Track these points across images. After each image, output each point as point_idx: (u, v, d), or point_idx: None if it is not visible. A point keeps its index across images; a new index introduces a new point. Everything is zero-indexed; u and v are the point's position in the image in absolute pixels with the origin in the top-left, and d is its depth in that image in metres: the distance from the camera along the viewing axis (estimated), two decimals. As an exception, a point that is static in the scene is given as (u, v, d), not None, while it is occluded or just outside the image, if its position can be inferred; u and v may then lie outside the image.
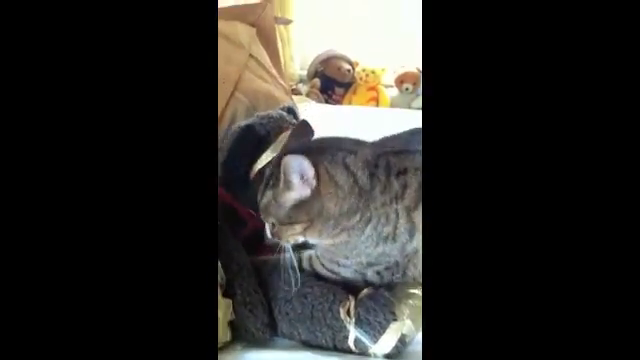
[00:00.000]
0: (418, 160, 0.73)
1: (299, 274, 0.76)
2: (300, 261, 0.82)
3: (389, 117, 1.63)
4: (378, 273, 0.78)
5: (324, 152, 0.73)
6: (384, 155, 0.75)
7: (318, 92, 2.23)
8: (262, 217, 0.78)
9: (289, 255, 0.76)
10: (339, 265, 0.79)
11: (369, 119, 1.63)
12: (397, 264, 0.77)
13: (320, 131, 0.89)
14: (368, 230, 0.74)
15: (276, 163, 0.76)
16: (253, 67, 1.06)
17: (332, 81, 2.26)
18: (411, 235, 0.74)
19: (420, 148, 0.72)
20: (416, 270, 0.77)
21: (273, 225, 0.76)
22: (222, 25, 1.04)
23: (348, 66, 2.27)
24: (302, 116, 1.01)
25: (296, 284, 0.75)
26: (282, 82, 1.11)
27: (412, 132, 0.79)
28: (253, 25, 1.16)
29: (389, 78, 2.30)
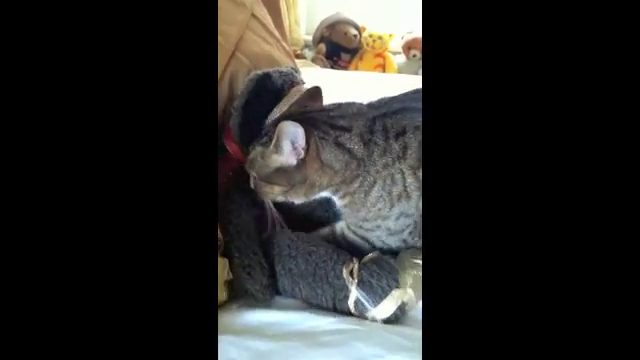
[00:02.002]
0: (417, 118, 0.73)
1: (280, 216, 0.79)
2: (334, 235, 0.83)
3: (393, 83, 1.61)
4: (404, 241, 0.79)
5: (318, 127, 0.74)
6: (380, 118, 0.75)
7: (324, 58, 2.20)
8: (246, 167, 0.80)
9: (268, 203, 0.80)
10: (365, 230, 0.79)
11: (374, 85, 1.61)
12: (416, 224, 0.77)
13: (326, 97, 0.89)
14: (375, 192, 0.75)
15: (274, 122, 0.77)
16: (255, 28, 1.04)
17: (338, 47, 2.23)
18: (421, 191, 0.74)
19: (418, 106, 0.73)
20: None
21: (254, 178, 0.79)
22: (224, -16, 1.01)
23: (355, 32, 2.23)
24: (305, 80, 0.99)
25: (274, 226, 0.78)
26: (285, 45, 1.09)
27: (409, 92, 0.79)
28: (256, -15, 1.13)
29: (397, 44, 2.25)
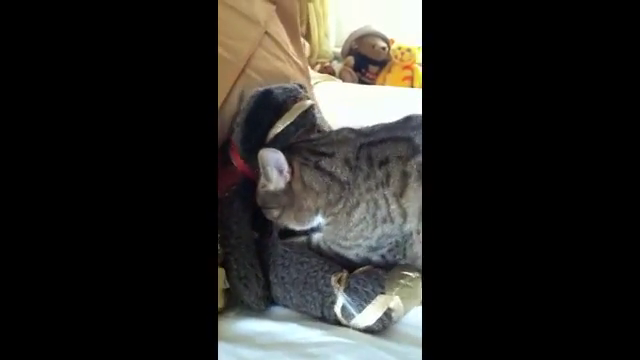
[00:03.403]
0: (401, 148, 0.77)
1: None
2: (309, 244, 0.86)
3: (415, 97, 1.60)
4: (382, 257, 0.81)
5: (300, 153, 0.81)
6: (366, 146, 0.79)
7: (351, 70, 2.22)
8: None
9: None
10: (341, 247, 0.82)
11: (398, 100, 1.61)
12: (397, 244, 0.80)
13: (341, 110, 0.91)
14: (358, 214, 0.79)
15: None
16: (268, 45, 1.07)
17: (366, 59, 2.24)
18: (404, 218, 0.78)
19: (404, 135, 0.78)
20: (412, 251, 0.79)
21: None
22: (238, 0, 1.05)
23: (383, 44, 2.24)
24: (317, 94, 1.02)
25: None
26: (298, 61, 1.12)
27: (399, 121, 0.83)
28: (273, 2, 1.17)
29: (425, 56, 2.24)
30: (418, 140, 0.77)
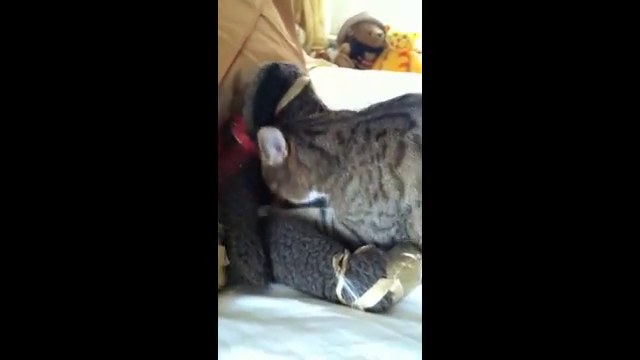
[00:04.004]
0: (398, 122, 0.77)
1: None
2: (323, 220, 0.87)
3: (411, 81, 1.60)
4: (392, 238, 0.81)
5: (297, 133, 0.83)
6: (364, 123, 0.80)
7: (347, 57, 2.21)
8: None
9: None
10: (351, 223, 0.82)
11: (395, 84, 1.61)
12: (400, 225, 0.80)
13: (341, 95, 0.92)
14: (352, 187, 0.79)
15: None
16: (263, 27, 1.07)
17: (362, 46, 2.23)
18: (400, 191, 0.77)
19: (402, 111, 0.78)
20: (413, 231, 0.79)
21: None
22: (233, -15, 1.05)
23: (379, 30, 2.23)
24: (313, 79, 1.03)
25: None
26: (292, 44, 1.12)
27: (396, 98, 0.83)
28: (266, -15, 1.17)
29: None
30: (415, 115, 0.77)
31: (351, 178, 0.79)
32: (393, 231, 0.81)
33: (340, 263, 0.76)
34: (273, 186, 0.86)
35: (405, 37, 2.22)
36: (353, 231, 0.83)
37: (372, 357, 0.63)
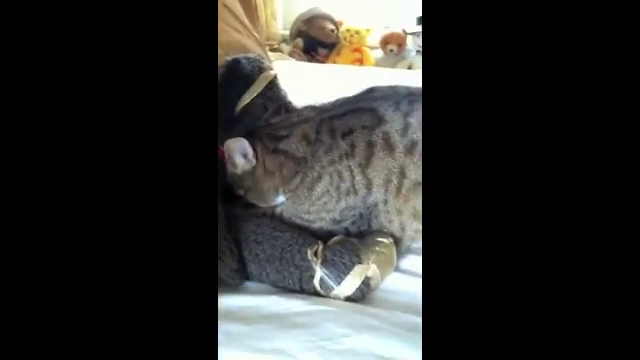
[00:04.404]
0: (365, 118, 0.77)
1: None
2: (272, 215, 0.86)
3: (371, 76, 1.62)
4: (346, 229, 0.81)
5: (262, 139, 0.82)
6: (327, 120, 0.79)
7: (301, 53, 2.20)
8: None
9: None
10: (303, 220, 0.82)
11: (350, 78, 1.61)
12: (361, 216, 0.80)
13: (300, 90, 0.90)
14: (320, 187, 0.78)
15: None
16: (226, 17, 1.04)
17: (315, 41, 2.23)
18: (369, 189, 0.78)
19: (368, 105, 0.78)
20: (377, 221, 0.80)
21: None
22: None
23: (332, 26, 2.23)
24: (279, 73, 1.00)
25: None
26: (255, 34, 1.09)
27: (361, 93, 0.83)
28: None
29: (374, 39, 2.26)
30: (382, 110, 0.77)
31: (320, 178, 0.78)
32: (349, 223, 0.81)
33: (315, 254, 0.75)
34: (240, 192, 0.85)
35: (358, 33, 2.24)
36: (310, 224, 0.82)
37: (362, 349, 0.63)
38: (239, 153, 0.80)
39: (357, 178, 0.77)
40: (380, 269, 0.75)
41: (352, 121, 0.77)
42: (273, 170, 0.80)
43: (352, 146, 0.76)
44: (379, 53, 2.26)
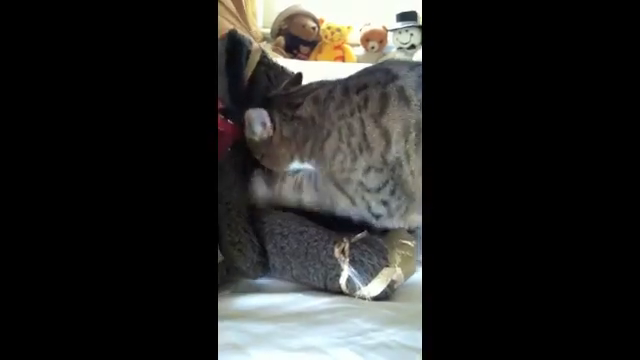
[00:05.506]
0: (379, 75, 0.76)
1: None
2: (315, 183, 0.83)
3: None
4: (385, 203, 0.75)
5: (280, 109, 0.84)
6: (342, 82, 0.80)
7: (283, 51, 2.17)
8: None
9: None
10: (340, 180, 0.77)
11: (333, 75, 1.60)
12: (395, 185, 0.74)
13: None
14: (329, 145, 0.77)
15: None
16: (220, 10, 1.02)
17: (297, 39, 2.21)
18: (386, 141, 0.73)
19: (384, 67, 0.78)
20: (407, 188, 0.74)
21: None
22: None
23: (313, 24, 2.22)
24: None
25: None
26: (249, 26, 1.08)
27: (376, 64, 0.86)
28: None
29: (355, 36, 2.26)
30: (396, 70, 0.75)
31: (329, 134, 0.77)
32: (385, 193, 0.75)
33: (343, 252, 0.73)
34: (257, 157, 0.87)
35: (339, 30, 2.23)
36: (343, 190, 0.77)
37: (393, 343, 0.61)
38: (258, 122, 0.83)
39: (368, 128, 0.73)
40: (404, 272, 0.74)
41: (366, 78, 0.77)
42: (289, 137, 0.82)
43: (365, 99, 0.74)
44: (360, 50, 2.26)
